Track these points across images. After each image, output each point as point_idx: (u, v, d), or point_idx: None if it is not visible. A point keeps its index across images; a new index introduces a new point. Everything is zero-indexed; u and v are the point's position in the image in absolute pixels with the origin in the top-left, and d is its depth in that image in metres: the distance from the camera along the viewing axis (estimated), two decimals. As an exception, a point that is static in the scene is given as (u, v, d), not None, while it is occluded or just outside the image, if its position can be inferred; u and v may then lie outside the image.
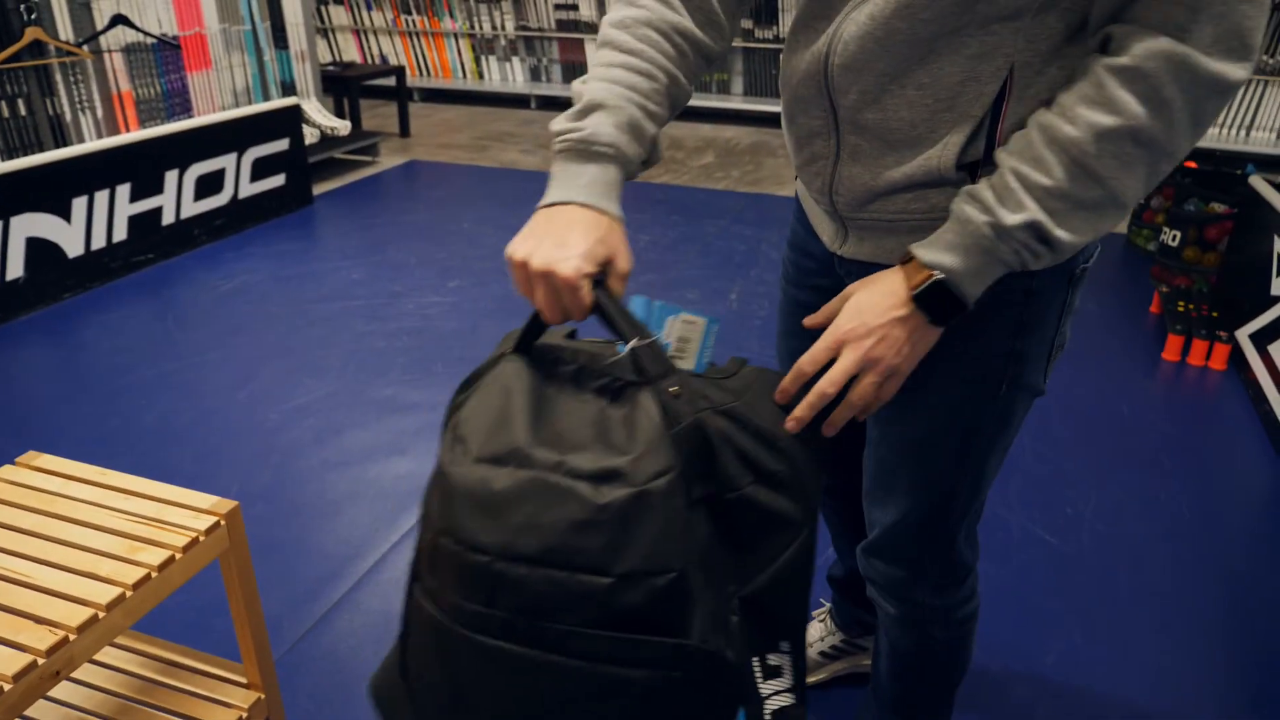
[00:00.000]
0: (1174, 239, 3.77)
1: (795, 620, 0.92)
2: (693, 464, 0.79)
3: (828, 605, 1.73)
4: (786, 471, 0.85)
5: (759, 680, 0.86)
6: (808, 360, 0.90)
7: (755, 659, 0.85)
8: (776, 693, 0.87)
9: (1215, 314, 3.14)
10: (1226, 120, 5.73)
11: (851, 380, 0.89)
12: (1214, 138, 5.69)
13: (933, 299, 0.85)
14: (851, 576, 1.59)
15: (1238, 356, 2.95)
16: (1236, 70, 0.77)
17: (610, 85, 0.90)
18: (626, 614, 0.74)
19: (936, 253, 0.85)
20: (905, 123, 0.90)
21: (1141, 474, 2.39)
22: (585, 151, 0.89)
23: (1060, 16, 0.83)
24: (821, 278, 1.14)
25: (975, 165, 0.90)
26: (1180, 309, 3.17)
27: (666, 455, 0.77)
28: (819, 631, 1.72)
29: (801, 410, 0.88)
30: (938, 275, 0.84)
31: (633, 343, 0.82)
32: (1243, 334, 2.95)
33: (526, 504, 0.76)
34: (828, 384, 0.88)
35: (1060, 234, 0.81)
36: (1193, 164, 4.05)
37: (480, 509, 0.77)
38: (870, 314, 0.88)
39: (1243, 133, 5.72)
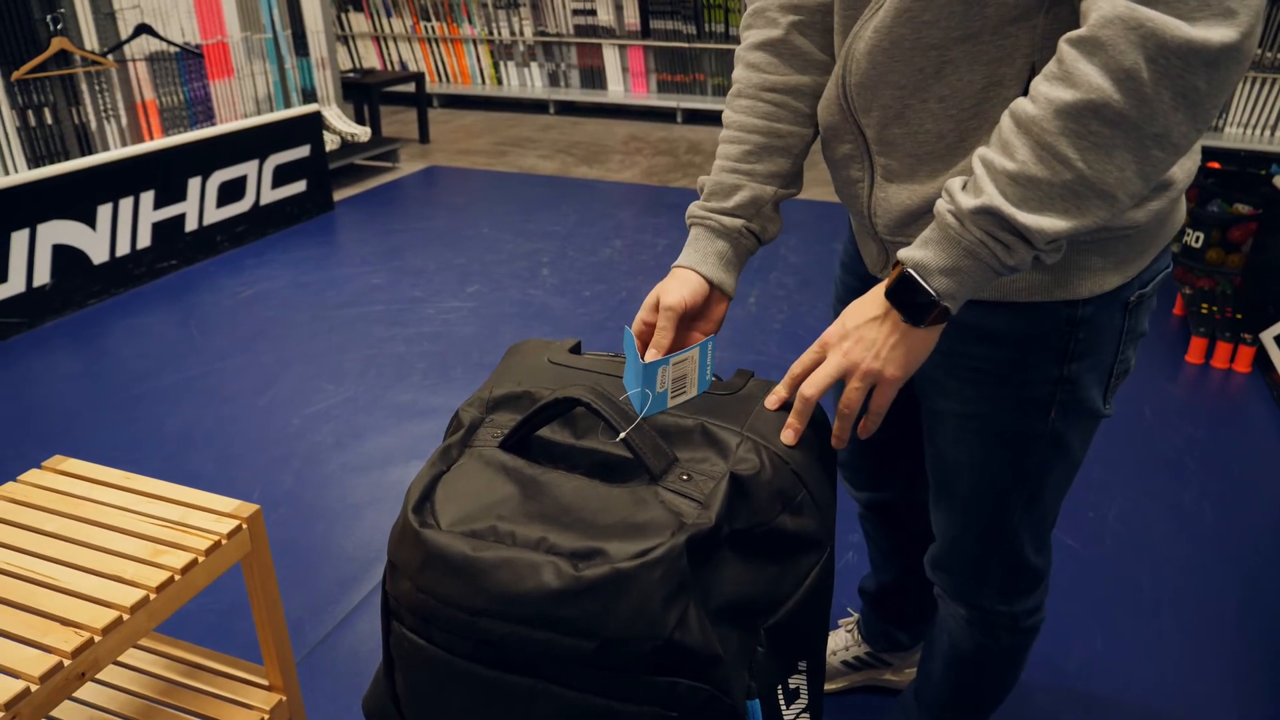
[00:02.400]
0: (1197, 240, 3.74)
1: (815, 638, 0.91)
2: (728, 511, 0.78)
3: (855, 615, 1.72)
4: (805, 493, 0.85)
5: (782, 708, 0.85)
6: (797, 366, 0.90)
7: (779, 687, 0.85)
8: (796, 716, 0.87)
9: (1239, 316, 3.11)
10: (1250, 120, 5.67)
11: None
12: (1238, 138, 5.63)
13: (901, 293, 0.82)
14: (883, 591, 1.58)
15: (1262, 359, 2.91)
16: (1220, 32, 0.67)
17: (718, 165, 1.07)
18: (616, 669, 0.74)
19: (912, 249, 0.82)
20: (933, 135, 0.90)
21: (1164, 477, 2.37)
22: (694, 226, 1.06)
23: (1073, 10, 0.80)
24: (858, 271, 1.16)
25: None
26: (1204, 311, 3.14)
27: (657, 534, 0.76)
28: (844, 641, 1.71)
29: (793, 418, 0.88)
30: (905, 268, 0.81)
31: (623, 433, 0.81)
32: (1267, 336, 2.92)
33: (502, 573, 0.74)
34: (807, 387, 0.87)
35: (1026, 220, 0.75)
36: (1216, 164, 4.01)
37: (456, 573, 0.76)
38: (851, 318, 0.87)
39: (1267, 132, 5.66)
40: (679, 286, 1.01)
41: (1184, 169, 0.91)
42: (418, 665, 0.82)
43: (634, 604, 0.72)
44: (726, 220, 1.04)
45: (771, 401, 0.91)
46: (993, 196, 0.76)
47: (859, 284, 1.16)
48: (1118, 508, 2.24)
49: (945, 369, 1.01)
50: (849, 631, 1.72)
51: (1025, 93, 0.83)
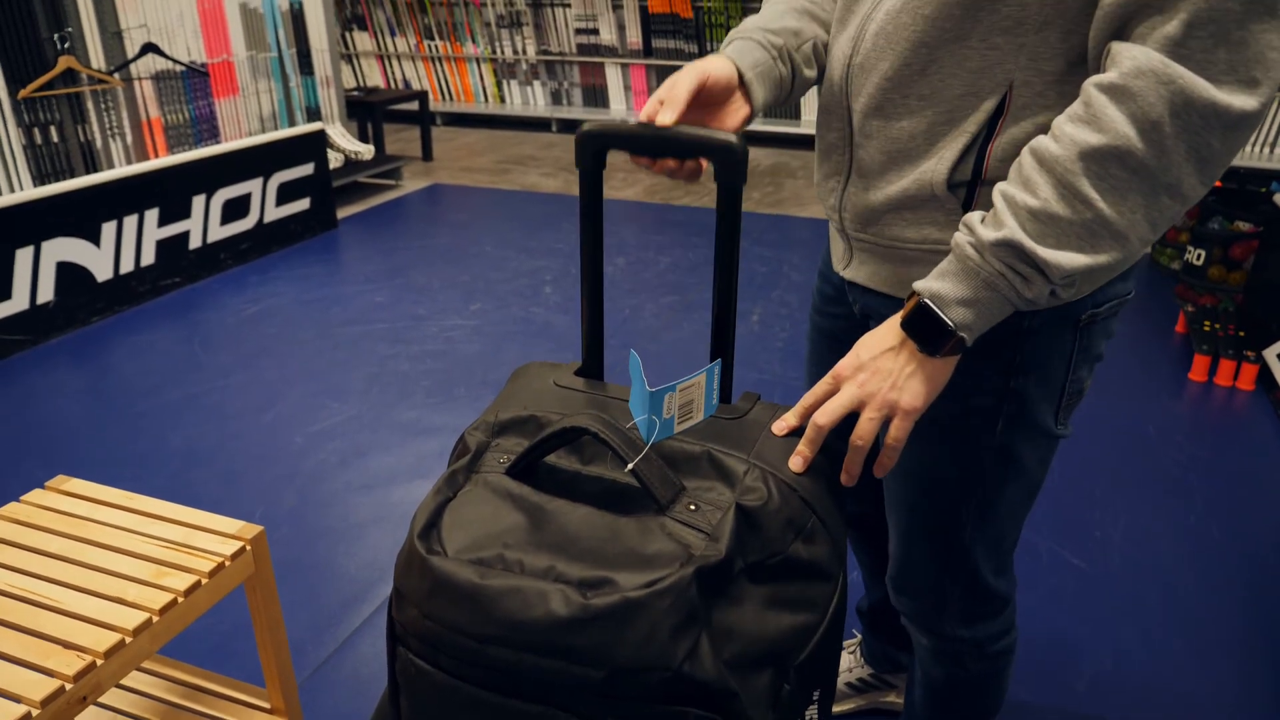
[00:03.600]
0: (1199, 257, 3.74)
1: (831, 667, 0.90)
2: (739, 543, 0.78)
3: (858, 637, 1.72)
4: (815, 519, 0.84)
5: None
6: (809, 396, 0.90)
7: None
8: None
9: (1242, 333, 3.11)
10: (1251, 138, 5.68)
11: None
12: (1239, 155, 5.63)
13: (918, 324, 0.83)
14: (879, 609, 1.57)
15: (1266, 376, 2.91)
16: (1241, 99, 0.71)
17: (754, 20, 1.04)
18: (626, 699, 0.73)
19: (928, 280, 0.83)
20: (906, 133, 0.92)
21: (1170, 496, 2.36)
22: (733, 41, 1.01)
23: (1063, 37, 0.82)
24: (837, 305, 1.16)
25: (965, 186, 0.90)
26: (1206, 328, 3.14)
27: (665, 565, 0.75)
28: (847, 663, 1.70)
29: (803, 446, 0.87)
30: (922, 298, 0.83)
31: (631, 464, 0.81)
32: (1270, 353, 2.92)
33: (509, 601, 0.74)
34: (820, 415, 0.86)
35: (1045, 255, 0.77)
36: (1217, 182, 4.02)
37: (463, 601, 0.76)
38: (865, 349, 0.87)
39: (1268, 150, 5.67)
40: (708, 62, 0.97)
41: None
42: (424, 691, 0.81)
43: (642, 633, 0.71)
44: (770, 37, 1.01)
45: (780, 428, 0.91)
46: (1014, 230, 0.78)
47: (830, 289, 1.17)
48: (1123, 526, 2.23)
49: None
50: (851, 653, 1.71)
51: (1000, 111, 0.87)
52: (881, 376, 0.85)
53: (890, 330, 0.86)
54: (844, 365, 0.88)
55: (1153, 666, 1.81)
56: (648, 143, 0.93)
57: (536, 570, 0.76)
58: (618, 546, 0.78)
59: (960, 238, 0.82)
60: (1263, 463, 2.52)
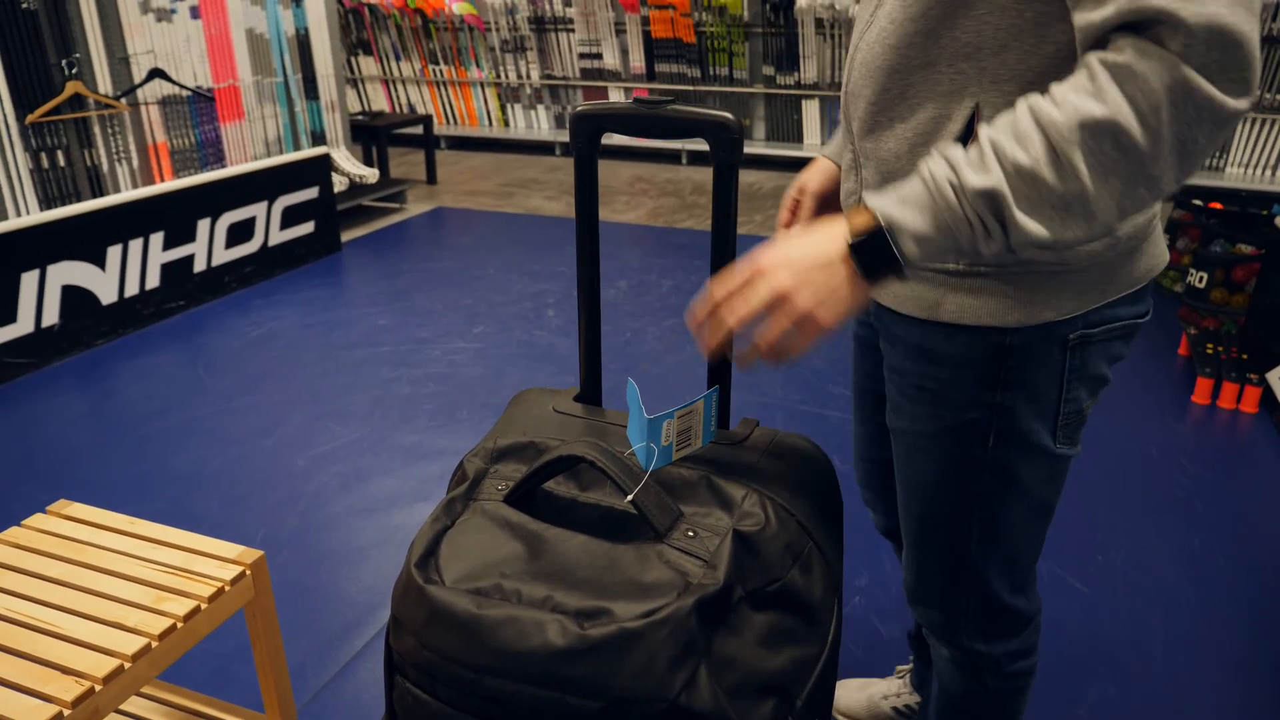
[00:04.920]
0: (1201, 280, 3.74)
1: (830, 695, 0.90)
2: (738, 570, 0.78)
3: (910, 665, 1.69)
4: (811, 545, 0.84)
5: None
6: (719, 285, 0.84)
7: None
8: None
9: (1245, 356, 3.10)
10: (1251, 160, 5.70)
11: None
12: (1239, 178, 5.66)
13: (867, 249, 0.79)
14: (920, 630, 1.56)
15: (1269, 399, 2.90)
16: (1236, 101, 0.72)
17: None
18: None
19: (889, 203, 0.79)
20: (892, 154, 0.96)
21: (1173, 519, 2.35)
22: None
23: (1021, 58, 0.84)
24: (867, 314, 1.19)
25: None
26: (1209, 351, 3.14)
27: (663, 595, 0.75)
28: (895, 687, 1.68)
29: (708, 335, 0.84)
30: (880, 225, 0.78)
31: (630, 495, 0.81)
32: (1273, 376, 2.91)
33: (506, 632, 0.74)
34: (730, 315, 0.82)
35: (1019, 216, 0.75)
36: (1218, 205, 4.03)
37: (459, 630, 0.76)
38: (798, 251, 0.82)
39: (1269, 173, 5.69)
40: (819, 174, 1.22)
41: (1133, 224, 0.94)
42: (421, 710, 0.81)
43: (640, 664, 0.71)
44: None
45: (690, 320, 0.88)
46: (999, 182, 0.76)
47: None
48: (1126, 550, 2.22)
49: (898, 386, 1.04)
50: (901, 679, 1.69)
51: (969, 130, 0.88)
52: (810, 287, 0.80)
53: (832, 243, 0.81)
54: (769, 261, 0.82)
55: (1157, 691, 1.79)
56: (641, 123, 0.93)
57: (534, 600, 0.76)
58: (615, 575, 0.78)
59: (939, 171, 0.78)
60: (1266, 485, 2.51)
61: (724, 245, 0.92)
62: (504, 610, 0.75)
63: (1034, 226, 0.76)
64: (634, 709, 0.71)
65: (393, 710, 0.87)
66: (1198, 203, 4.02)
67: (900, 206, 0.78)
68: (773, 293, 0.80)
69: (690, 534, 0.81)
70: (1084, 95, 0.74)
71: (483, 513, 0.86)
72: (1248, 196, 4.21)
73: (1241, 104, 0.73)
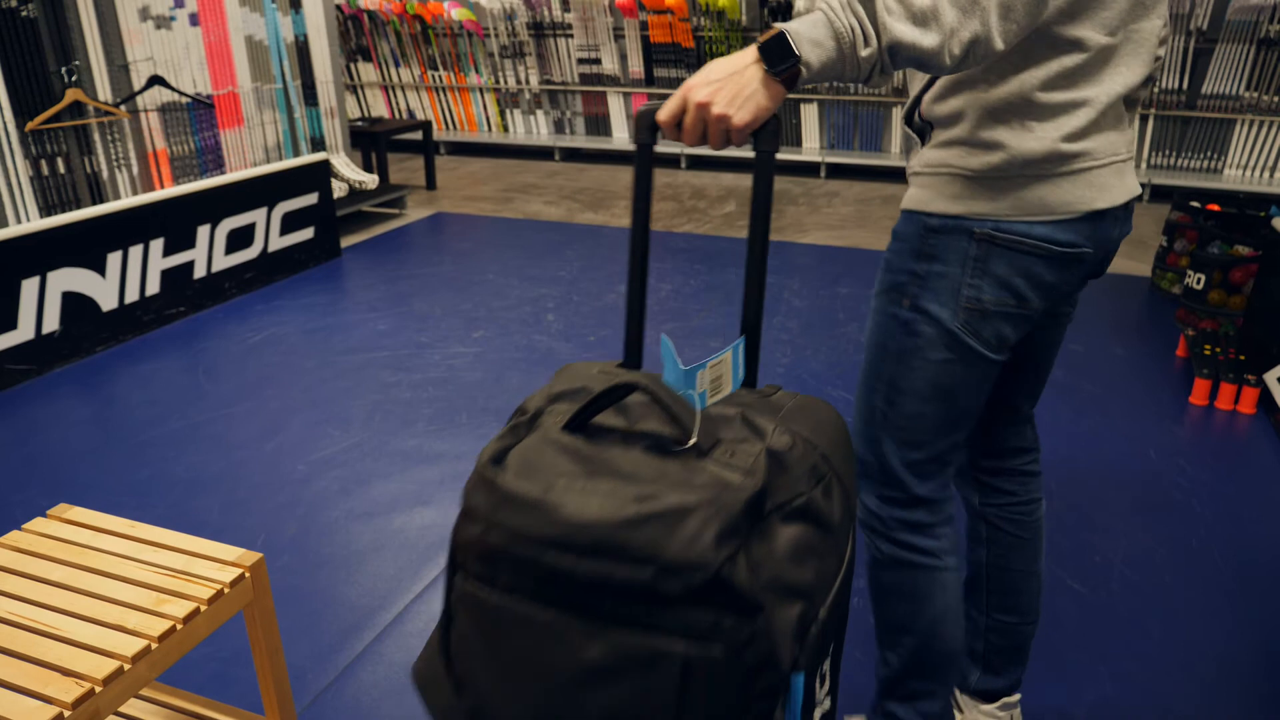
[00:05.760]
0: (1198, 282, 3.75)
1: (842, 624, 1.00)
2: (770, 482, 0.86)
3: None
4: (832, 474, 0.93)
5: (816, 689, 0.91)
6: (663, 110, 1.04)
7: (817, 670, 0.91)
8: (824, 698, 0.94)
9: (1242, 357, 3.11)
10: (1250, 162, 5.72)
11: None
12: (1237, 180, 5.67)
13: (773, 47, 0.99)
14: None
15: (1267, 400, 2.91)
16: None
17: None
18: (667, 602, 0.81)
19: (792, 23, 1.00)
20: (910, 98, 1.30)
21: (1171, 520, 2.36)
22: None
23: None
24: None
25: (915, 127, 1.26)
26: (1207, 352, 3.14)
27: (710, 490, 0.84)
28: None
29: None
30: (782, 30, 0.99)
31: (674, 413, 0.91)
32: (1271, 377, 2.92)
33: (572, 504, 0.83)
34: (662, 113, 1.04)
35: (885, 19, 0.97)
36: (1216, 206, 4.04)
37: (529, 508, 0.85)
38: (717, 68, 1.02)
39: (1266, 174, 5.70)
40: None
41: (1017, 141, 1.15)
42: (477, 616, 0.89)
43: (690, 534, 0.80)
44: None
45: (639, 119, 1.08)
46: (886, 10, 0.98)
47: None
48: (1124, 551, 2.23)
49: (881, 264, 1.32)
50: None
51: (932, 79, 1.21)
52: (724, 93, 0.99)
53: (745, 54, 1.01)
54: (693, 81, 1.02)
55: (1155, 691, 1.80)
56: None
57: (596, 490, 0.85)
58: (667, 479, 0.85)
59: (844, 5, 0.99)
60: (1264, 487, 2.52)
61: (760, 244, 1.08)
62: (570, 490, 0.84)
63: (898, 31, 0.97)
64: (680, 576, 0.79)
65: (448, 613, 0.94)
66: (1195, 204, 4.02)
67: (798, 23, 0.99)
68: (695, 105, 1.01)
69: (730, 454, 0.88)
70: None
71: (543, 438, 0.93)
72: (1245, 198, 4.22)
73: None
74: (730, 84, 1.00)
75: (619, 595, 0.81)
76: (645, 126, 1.07)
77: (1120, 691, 1.80)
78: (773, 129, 1.04)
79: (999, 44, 1.01)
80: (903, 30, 0.97)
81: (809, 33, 0.98)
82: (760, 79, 0.99)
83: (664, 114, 1.03)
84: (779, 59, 0.99)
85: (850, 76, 1.02)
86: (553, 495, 0.84)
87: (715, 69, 1.01)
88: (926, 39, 0.97)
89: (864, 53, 0.98)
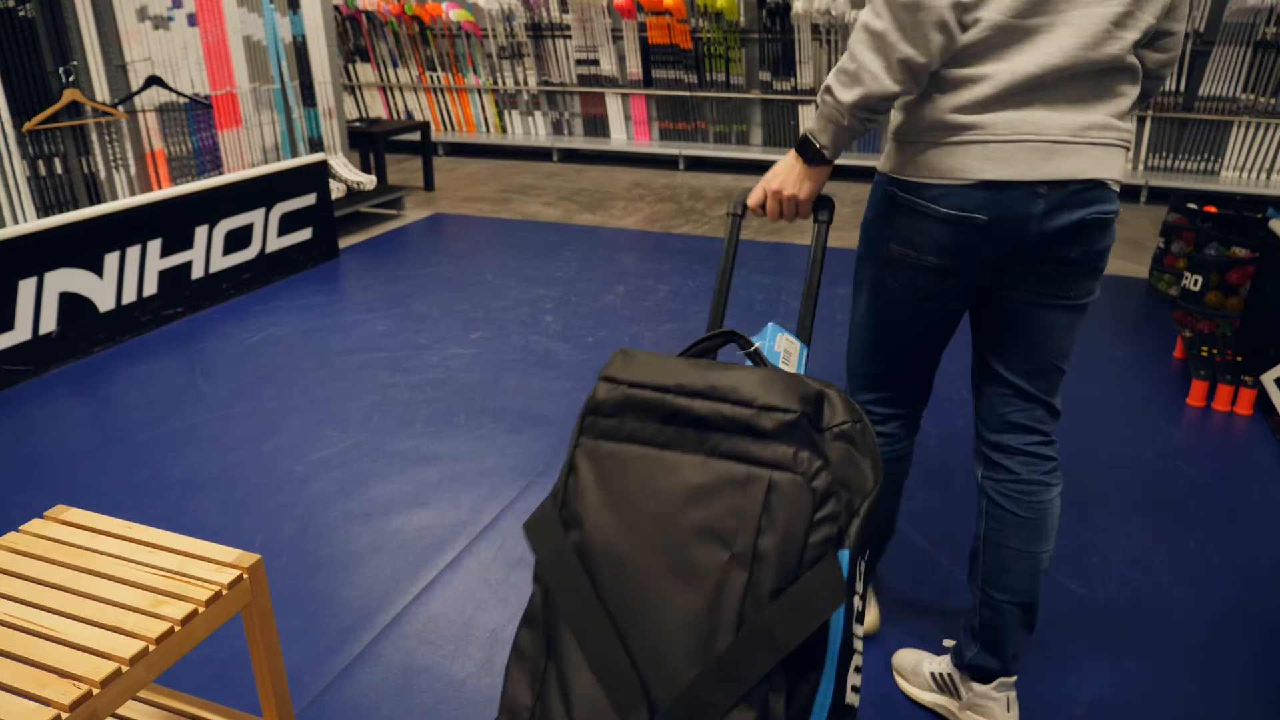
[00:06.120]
0: (1196, 283, 3.76)
1: (874, 541, 1.28)
2: (817, 408, 1.10)
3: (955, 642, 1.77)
4: (864, 423, 1.13)
5: (856, 577, 1.09)
6: (752, 197, 1.56)
7: (859, 559, 1.10)
8: (860, 587, 1.12)
9: (1240, 358, 3.11)
10: (1246, 164, 5.72)
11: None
12: (1234, 182, 5.68)
13: (803, 146, 1.46)
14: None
15: (1264, 401, 2.91)
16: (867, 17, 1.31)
17: None
18: (762, 432, 1.04)
19: (808, 125, 1.46)
20: None
21: (1169, 521, 2.36)
22: None
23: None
24: None
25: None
26: (1204, 354, 3.15)
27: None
28: (941, 665, 1.76)
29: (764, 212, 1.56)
30: (805, 133, 1.45)
31: (752, 347, 1.31)
32: (1268, 378, 2.92)
33: (695, 368, 1.10)
34: (752, 199, 1.56)
35: (839, 93, 1.36)
36: (1213, 208, 4.04)
37: (659, 370, 1.11)
38: (777, 169, 1.51)
39: (1263, 176, 5.71)
40: None
41: (919, 109, 1.40)
42: (599, 464, 1.11)
43: (781, 390, 1.06)
44: None
45: (751, 201, 1.57)
46: (828, 79, 1.38)
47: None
48: (1122, 552, 2.23)
49: None
50: (946, 654, 1.77)
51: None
52: (789, 181, 1.49)
53: (790, 155, 1.49)
54: (768, 177, 1.52)
55: (1153, 692, 1.80)
56: None
57: (708, 367, 1.11)
58: (760, 372, 1.12)
59: (821, 100, 1.41)
60: (1261, 487, 2.52)
61: (815, 274, 1.53)
62: (687, 368, 1.10)
63: (846, 96, 1.35)
64: (774, 414, 1.04)
65: (572, 465, 1.13)
66: (1193, 206, 4.03)
67: (810, 123, 1.45)
68: (772, 191, 1.52)
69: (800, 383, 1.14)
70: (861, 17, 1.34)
71: (659, 356, 1.19)
72: (1242, 200, 4.22)
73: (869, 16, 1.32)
74: (790, 175, 1.49)
75: (724, 429, 1.06)
76: (739, 203, 1.58)
77: (1119, 689, 1.80)
78: (827, 204, 1.54)
79: (918, 55, 1.28)
80: (848, 94, 1.34)
81: (816, 126, 1.43)
82: (803, 168, 1.48)
83: (752, 199, 1.55)
84: (808, 150, 1.45)
85: (858, 134, 1.41)
86: (674, 367, 1.11)
87: (779, 169, 1.50)
88: (865, 87, 1.33)
89: (846, 121, 1.38)
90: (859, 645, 1.11)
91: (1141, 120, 5.84)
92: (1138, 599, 2.07)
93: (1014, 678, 1.65)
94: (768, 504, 1.03)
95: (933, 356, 1.62)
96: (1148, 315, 3.83)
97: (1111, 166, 1.38)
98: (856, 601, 1.10)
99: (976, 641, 1.64)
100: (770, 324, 1.40)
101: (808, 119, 6.97)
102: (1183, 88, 5.74)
